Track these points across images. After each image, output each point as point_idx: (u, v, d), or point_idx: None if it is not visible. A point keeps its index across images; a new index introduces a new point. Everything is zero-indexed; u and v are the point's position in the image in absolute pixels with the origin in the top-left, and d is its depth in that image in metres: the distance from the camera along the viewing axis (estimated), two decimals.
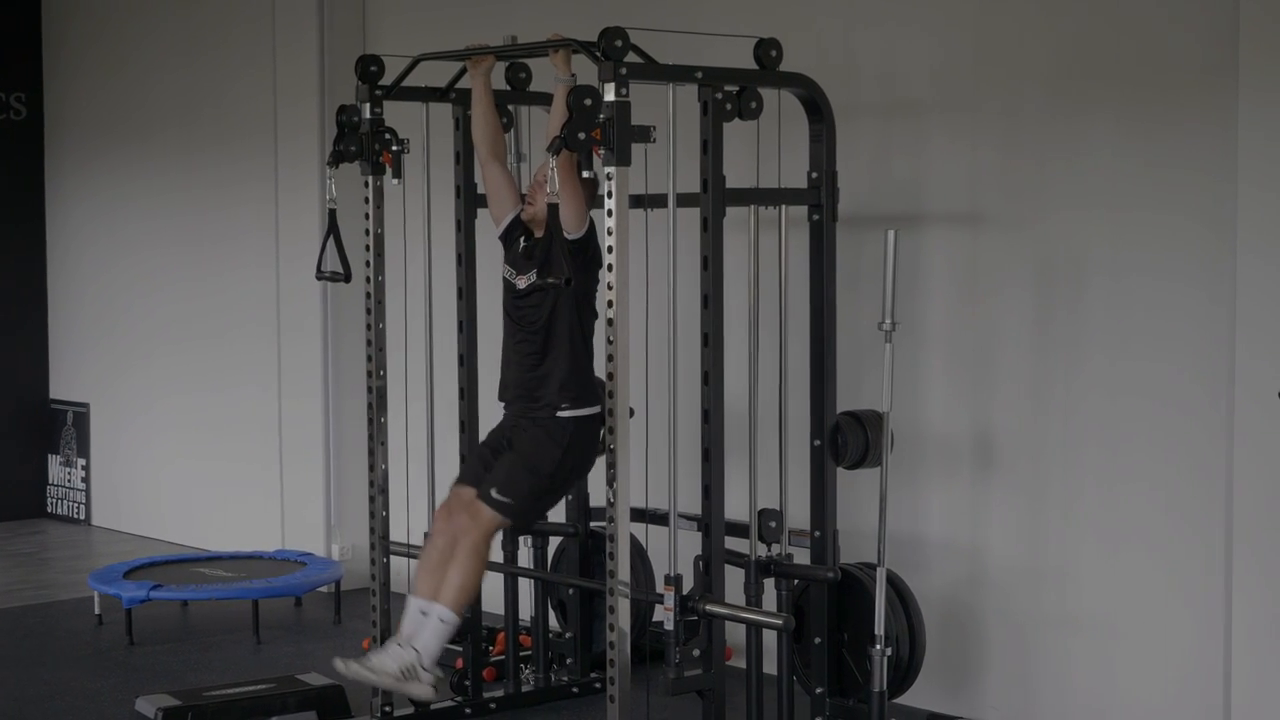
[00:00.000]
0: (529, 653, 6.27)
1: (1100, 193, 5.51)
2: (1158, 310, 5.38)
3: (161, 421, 9.44)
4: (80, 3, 9.90)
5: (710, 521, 5.17)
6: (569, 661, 6.24)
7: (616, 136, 4.88)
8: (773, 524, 5.43)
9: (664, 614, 5.10)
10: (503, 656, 6.23)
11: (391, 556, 5.88)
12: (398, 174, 5.76)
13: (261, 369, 8.50)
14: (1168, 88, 5.34)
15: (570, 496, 6.07)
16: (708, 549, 5.19)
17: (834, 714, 5.49)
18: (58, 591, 8.12)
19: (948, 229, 5.90)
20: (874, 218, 5.89)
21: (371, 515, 5.85)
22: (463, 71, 5.77)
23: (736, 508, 5.38)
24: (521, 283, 5.50)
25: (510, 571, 6.07)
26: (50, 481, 10.20)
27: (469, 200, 6.04)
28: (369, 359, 5.83)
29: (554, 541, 6.33)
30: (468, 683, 5.98)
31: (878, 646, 5.20)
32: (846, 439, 5.39)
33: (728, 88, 5.15)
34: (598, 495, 5.41)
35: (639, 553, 5.98)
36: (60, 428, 10.14)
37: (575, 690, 6.16)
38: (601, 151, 4.89)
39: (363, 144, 5.69)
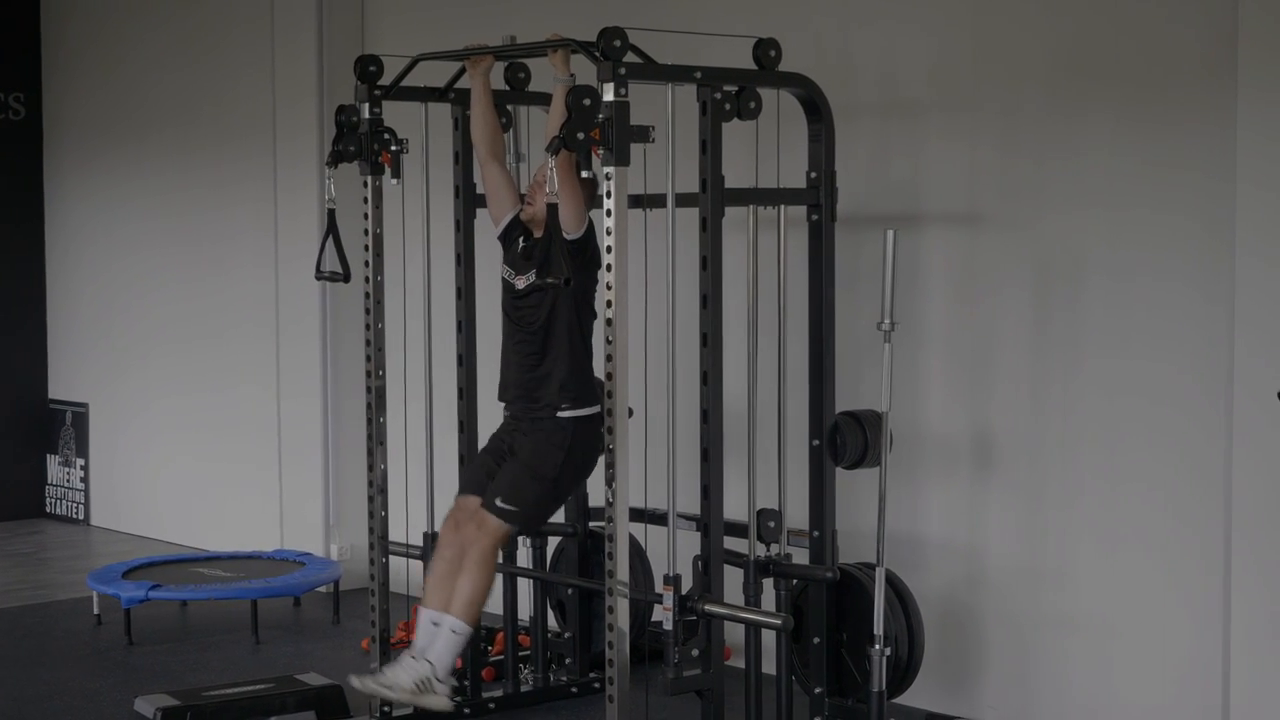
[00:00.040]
0: (528, 653, 6.27)
1: (1099, 192, 5.51)
2: (1156, 310, 5.38)
3: (160, 421, 9.44)
4: (79, 3, 9.90)
5: (709, 521, 5.17)
6: (568, 661, 6.24)
7: (615, 136, 4.88)
8: (771, 524, 5.44)
9: (663, 614, 5.10)
10: (502, 656, 6.23)
11: (390, 556, 5.88)
12: (397, 174, 5.76)
13: (260, 369, 8.50)
14: (1166, 87, 5.34)
15: (570, 496, 6.07)
16: (706, 549, 5.19)
17: (833, 714, 5.49)
18: (56, 591, 8.12)
19: (946, 229, 5.90)
20: (873, 218, 5.89)
21: (370, 515, 5.85)
22: (462, 71, 5.78)
23: (735, 508, 5.38)
24: (520, 283, 5.51)
25: (509, 571, 6.07)
26: (49, 481, 10.20)
27: (468, 200, 6.04)
28: (368, 359, 5.83)
29: (553, 541, 6.33)
30: (466, 683, 5.97)
31: (876, 646, 5.20)
32: (845, 439, 5.39)
33: (726, 88, 5.15)
34: (596, 495, 5.42)
35: (638, 553, 5.98)
36: (59, 428, 10.14)
37: (574, 690, 6.16)
38: (600, 151, 4.89)
39: (362, 144, 5.69)
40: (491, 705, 6.00)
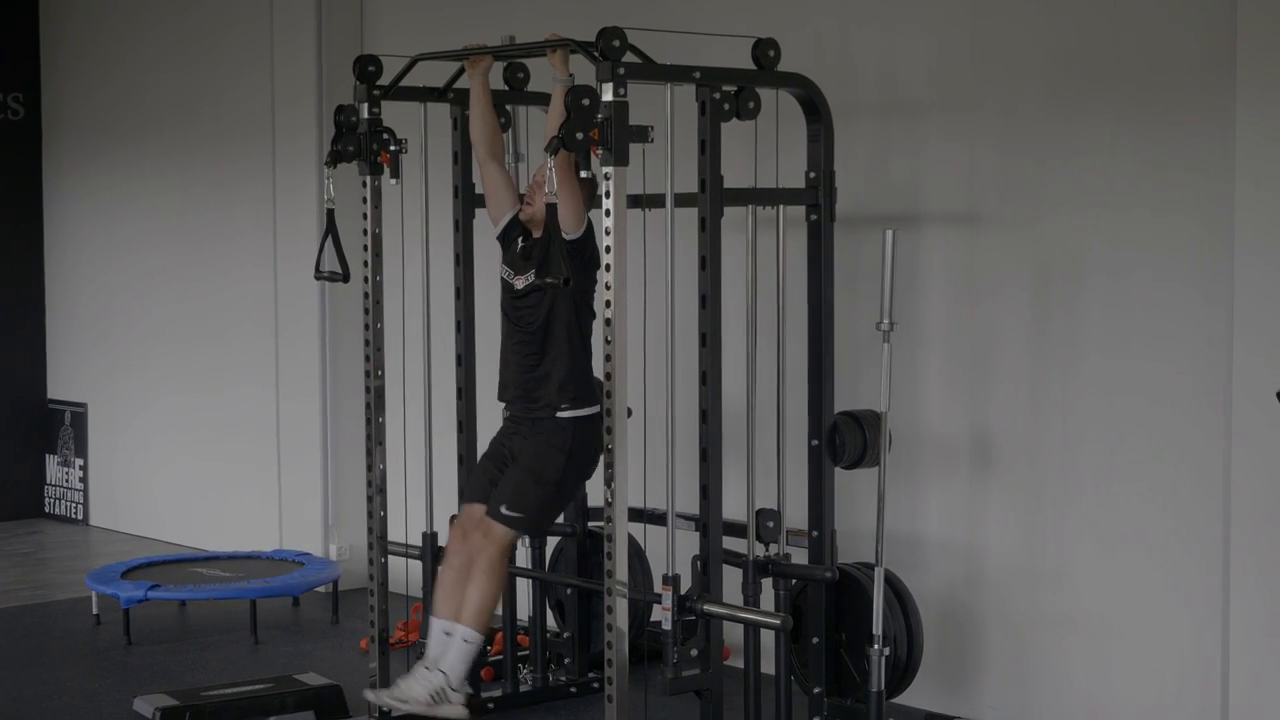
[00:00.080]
0: (527, 652, 6.27)
1: (1098, 192, 5.51)
2: (1155, 310, 5.38)
3: (159, 421, 9.43)
4: (78, 3, 9.90)
5: (708, 521, 5.17)
6: (567, 661, 6.23)
7: (614, 136, 4.87)
8: (770, 524, 5.44)
9: (662, 614, 5.10)
10: (501, 656, 6.23)
11: (389, 556, 5.88)
12: (396, 174, 5.76)
13: (259, 369, 8.50)
14: (1166, 87, 5.34)
15: (573, 497, 6.07)
16: (705, 549, 5.19)
17: (832, 714, 5.49)
18: (55, 591, 8.11)
19: (946, 229, 5.90)
20: (872, 218, 5.89)
21: (369, 515, 5.85)
22: (461, 71, 5.78)
23: (734, 507, 5.38)
24: (519, 283, 5.51)
25: (508, 571, 6.06)
26: (48, 481, 10.20)
27: (467, 200, 6.04)
28: (367, 359, 5.83)
29: (552, 541, 6.33)
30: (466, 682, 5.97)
31: (875, 646, 5.20)
32: (844, 439, 5.39)
33: (726, 88, 5.15)
34: (595, 495, 5.42)
35: (637, 553, 5.98)
36: (58, 428, 10.13)
37: (573, 690, 6.16)
38: (599, 151, 4.89)
39: (361, 144, 5.69)
40: (490, 705, 6.00)
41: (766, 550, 5.44)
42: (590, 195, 5.36)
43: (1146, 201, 5.39)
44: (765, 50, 5.25)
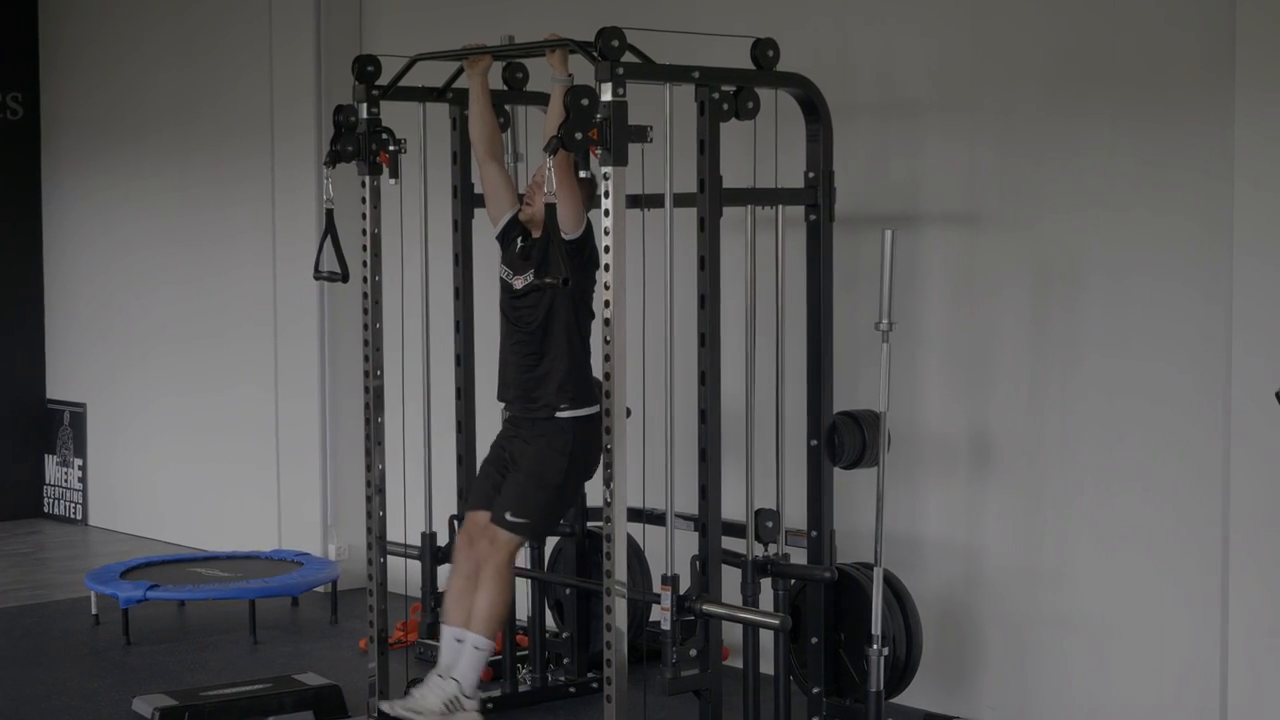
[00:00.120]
0: (526, 652, 6.27)
1: (1097, 192, 5.51)
2: (1155, 310, 5.38)
3: (158, 421, 9.43)
4: (77, 2, 9.89)
5: (707, 521, 5.17)
6: (566, 661, 6.23)
7: (613, 136, 4.87)
8: (769, 524, 5.43)
9: (661, 614, 5.10)
10: (500, 656, 6.21)
11: (388, 556, 5.88)
12: (395, 174, 5.76)
13: (258, 369, 8.50)
14: (1165, 87, 5.34)
15: (576, 498, 6.07)
16: (704, 549, 5.19)
17: (831, 714, 5.49)
18: (54, 591, 8.11)
19: (945, 229, 5.90)
20: (871, 218, 5.89)
21: (368, 515, 5.85)
22: (460, 71, 5.78)
23: (733, 508, 5.38)
24: (518, 283, 5.51)
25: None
26: (47, 481, 10.20)
27: (466, 200, 6.04)
28: (366, 359, 5.83)
29: (551, 541, 6.32)
30: None
31: (874, 646, 5.20)
32: (843, 439, 5.38)
33: (724, 88, 5.15)
34: (595, 495, 5.41)
35: (636, 553, 5.98)
36: (57, 428, 10.13)
37: (572, 690, 6.16)
38: (598, 151, 4.89)
39: (360, 144, 5.69)
40: (489, 705, 5.99)
41: (765, 550, 5.44)
42: (589, 195, 5.36)
43: (1146, 201, 5.39)
44: (764, 50, 5.25)
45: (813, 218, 5.42)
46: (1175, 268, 5.33)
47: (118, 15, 9.60)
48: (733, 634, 5.63)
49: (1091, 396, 5.54)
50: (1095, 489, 5.54)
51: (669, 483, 5.23)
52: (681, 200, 5.17)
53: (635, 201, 5.23)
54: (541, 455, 5.46)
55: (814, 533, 5.44)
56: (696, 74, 5.08)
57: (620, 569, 5.01)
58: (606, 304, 4.96)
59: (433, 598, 6.02)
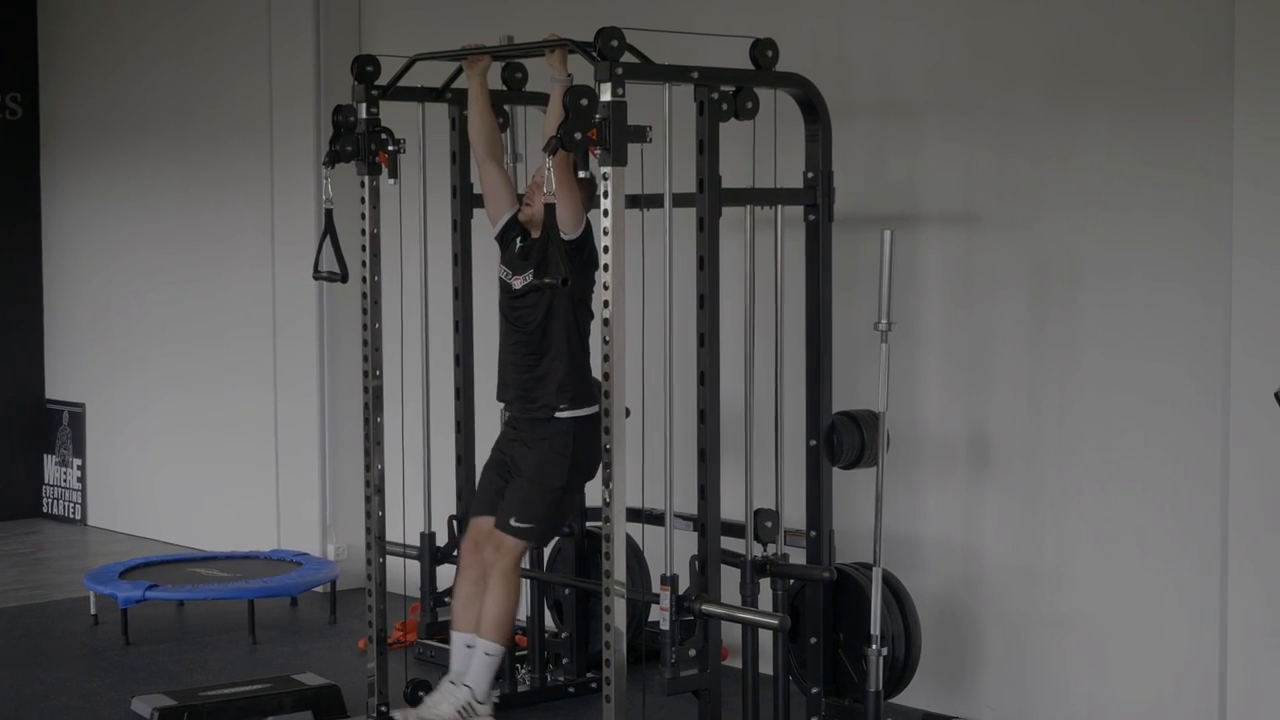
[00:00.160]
0: (525, 653, 6.27)
1: (1096, 192, 5.51)
2: (1153, 310, 5.38)
3: (157, 421, 9.43)
4: (76, 3, 9.89)
5: (706, 521, 5.17)
6: (565, 661, 6.23)
7: (613, 136, 4.87)
8: (768, 524, 5.43)
9: (660, 614, 5.10)
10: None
11: (387, 556, 5.88)
12: (394, 174, 5.75)
13: (257, 369, 8.50)
14: (1163, 87, 5.34)
15: (578, 499, 6.07)
16: (703, 549, 5.19)
17: (830, 714, 5.49)
18: (53, 591, 8.11)
19: (943, 229, 5.90)
20: (870, 218, 5.89)
21: (367, 515, 5.85)
22: (459, 71, 5.78)
23: (732, 508, 5.38)
24: (517, 283, 5.52)
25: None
26: (46, 481, 10.20)
27: (465, 200, 6.04)
28: (365, 359, 5.82)
29: (550, 541, 6.32)
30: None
31: (873, 646, 5.20)
32: (842, 439, 5.38)
33: (724, 88, 5.15)
34: (594, 495, 5.42)
35: (635, 553, 5.98)
36: (56, 428, 10.13)
37: (571, 690, 6.16)
38: (598, 152, 4.89)
39: (359, 144, 5.69)
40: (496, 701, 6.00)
41: (764, 550, 5.44)
42: (589, 195, 5.36)
43: (1144, 201, 5.39)
44: (763, 50, 5.25)
45: (812, 218, 5.42)
46: (1174, 268, 5.33)
47: (117, 15, 9.60)
48: (732, 634, 5.63)
49: (1090, 396, 5.54)
50: (1094, 489, 5.54)
51: (668, 483, 5.23)
52: (681, 200, 5.17)
53: (634, 201, 5.22)
54: (543, 459, 5.47)
55: (813, 533, 5.44)
56: (695, 74, 5.08)
57: (619, 569, 5.01)
58: (606, 304, 4.96)
59: (431, 598, 6.02)
